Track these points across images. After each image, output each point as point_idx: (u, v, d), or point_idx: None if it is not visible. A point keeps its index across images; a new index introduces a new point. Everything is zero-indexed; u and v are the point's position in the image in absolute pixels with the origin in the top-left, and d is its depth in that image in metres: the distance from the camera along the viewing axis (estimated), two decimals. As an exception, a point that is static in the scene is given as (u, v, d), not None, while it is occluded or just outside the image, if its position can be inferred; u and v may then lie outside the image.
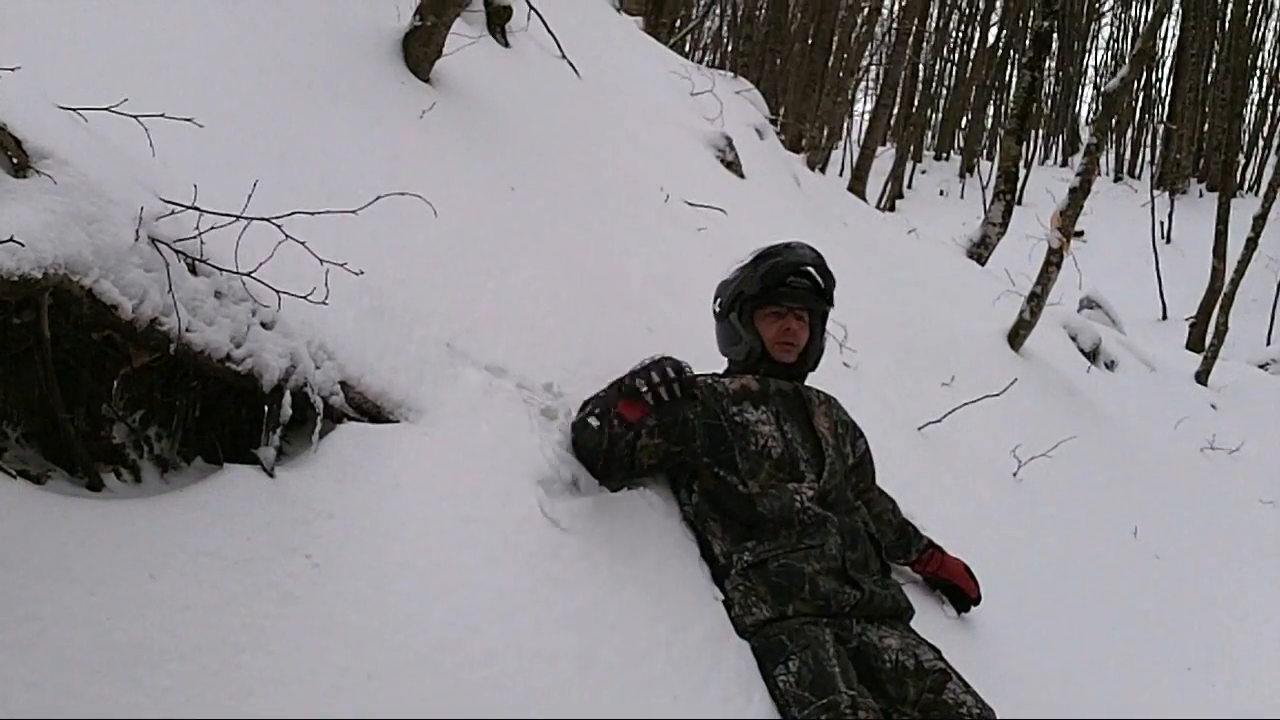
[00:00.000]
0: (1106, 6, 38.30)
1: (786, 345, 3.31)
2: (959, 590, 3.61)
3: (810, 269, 3.36)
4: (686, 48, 19.91)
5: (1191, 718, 4.09)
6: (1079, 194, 7.52)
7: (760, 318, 3.32)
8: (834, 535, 2.99)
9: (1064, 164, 35.75)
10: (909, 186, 30.72)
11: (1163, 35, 31.83)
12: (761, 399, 3.20)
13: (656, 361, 2.88)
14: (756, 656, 2.81)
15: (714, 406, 3.13)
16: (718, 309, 3.42)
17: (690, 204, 5.60)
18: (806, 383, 3.42)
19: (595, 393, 3.04)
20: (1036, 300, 7.26)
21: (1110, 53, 39.59)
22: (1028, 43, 16.20)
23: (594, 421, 2.95)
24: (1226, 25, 26.90)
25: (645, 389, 2.83)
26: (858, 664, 2.81)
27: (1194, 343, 15.54)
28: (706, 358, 3.47)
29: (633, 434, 2.95)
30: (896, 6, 26.97)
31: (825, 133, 25.71)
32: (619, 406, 2.90)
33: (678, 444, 3.07)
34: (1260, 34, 30.77)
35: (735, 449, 3.07)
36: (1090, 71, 40.63)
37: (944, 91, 37.84)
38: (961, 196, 29.89)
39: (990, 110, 35.53)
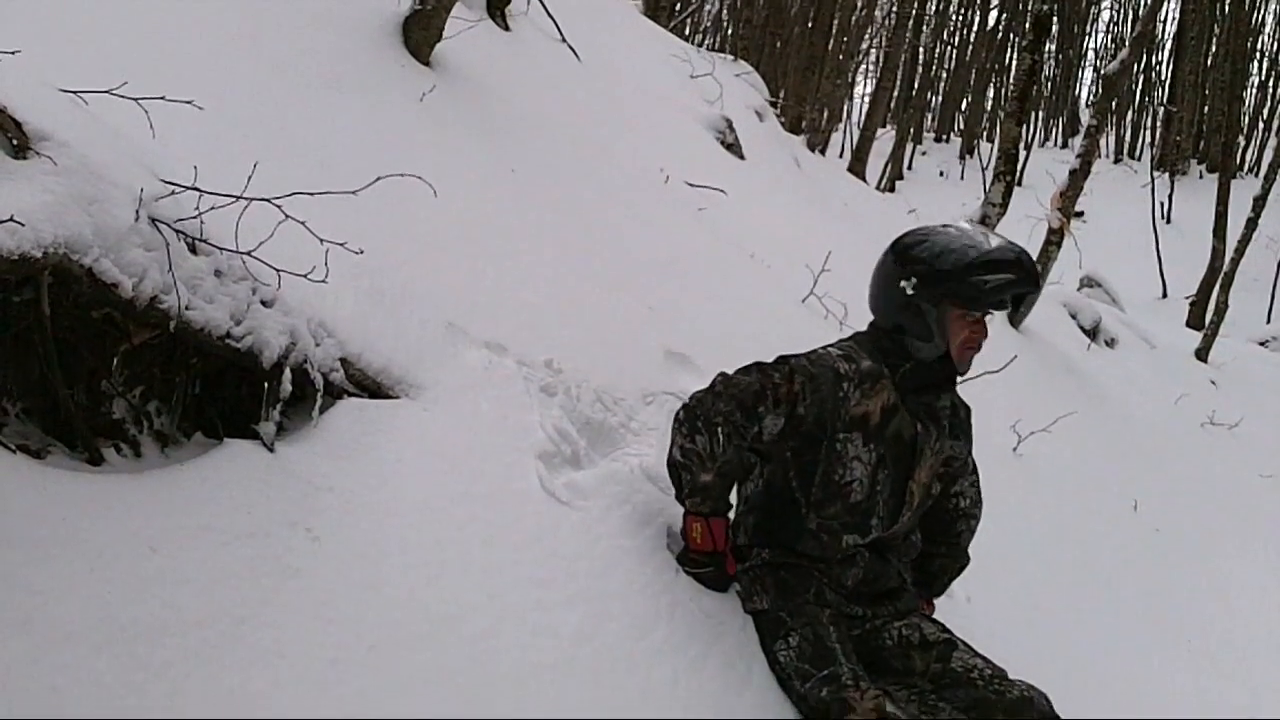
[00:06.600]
0: (1106, -11, 38.29)
1: (970, 352, 2.97)
2: None
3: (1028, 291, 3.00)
4: (686, 31, 19.89)
5: (1191, 718, 4.11)
6: (1079, 175, 7.56)
7: (954, 316, 2.88)
8: (858, 568, 2.90)
9: (1064, 146, 35.75)
10: (909, 168, 30.65)
11: (1163, 18, 31.77)
12: (874, 438, 2.88)
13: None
14: (757, 631, 2.81)
15: (827, 416, 2.83)
16: (913, 289, 2.87)
17: (690, 185, 5.61)
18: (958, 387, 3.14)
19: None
20: (1036, 279, 7.27)
21: (1110, 35, 39.54)
22: (1028, 25, 16.14)
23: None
24: (1226, 8, 26.82)
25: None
26: (860, 648, 2.81)
27: (1194, 321, 15.54)
28: (704, 337, 3.48)
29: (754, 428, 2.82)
30: (896, -11, 26.88)
31: (825, 115, 25.62)
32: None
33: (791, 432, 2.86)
34: (1260, 16, 30.78)
35: (819, 470, 2.86)
36: (1090, 54, 40.60)
37: (944, 74, 37.76)
38: (961, 178, 29.86)
39: (990, 93, 35.49)
